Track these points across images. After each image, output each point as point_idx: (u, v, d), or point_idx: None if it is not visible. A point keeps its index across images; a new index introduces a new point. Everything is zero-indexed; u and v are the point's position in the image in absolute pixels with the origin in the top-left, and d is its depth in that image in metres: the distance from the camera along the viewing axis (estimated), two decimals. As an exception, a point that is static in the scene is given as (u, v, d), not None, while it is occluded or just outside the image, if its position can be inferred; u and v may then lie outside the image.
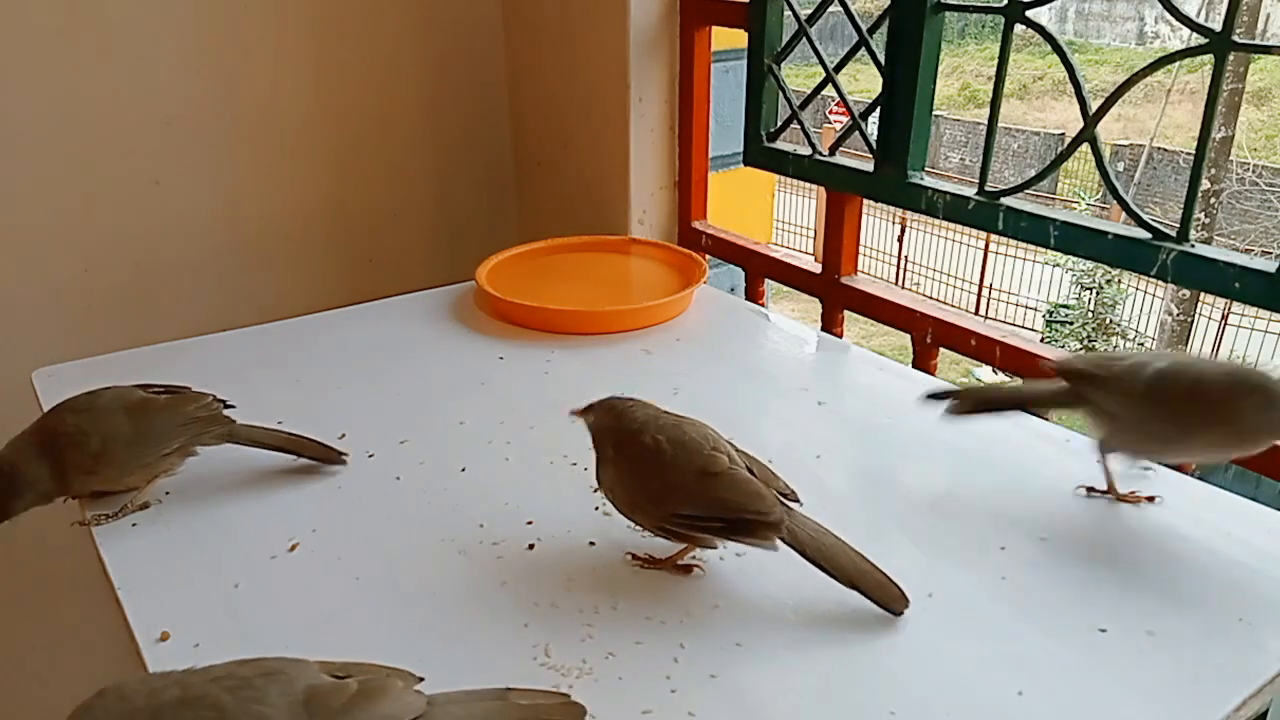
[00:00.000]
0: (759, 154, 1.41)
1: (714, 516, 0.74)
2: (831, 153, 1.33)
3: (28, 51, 1.35)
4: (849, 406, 1.07)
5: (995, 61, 1.10)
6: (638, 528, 0.82)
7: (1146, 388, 0.82)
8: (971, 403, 0.93)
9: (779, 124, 1.39)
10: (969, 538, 0.83)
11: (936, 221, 1.20)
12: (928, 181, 1.19)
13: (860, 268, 1.36)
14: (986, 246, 9.22)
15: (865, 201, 1.32)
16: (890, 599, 0.73)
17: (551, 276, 1.43)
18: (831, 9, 1.25)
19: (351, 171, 1.67)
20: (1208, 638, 0.72)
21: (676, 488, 0.74)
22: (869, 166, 1.25)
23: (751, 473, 0.75)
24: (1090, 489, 0.89)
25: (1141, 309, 8.46)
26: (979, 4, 1.11)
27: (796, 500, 0.77)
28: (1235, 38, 0.89)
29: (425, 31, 1.68)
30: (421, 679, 0.58)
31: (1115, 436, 0.86)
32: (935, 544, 0.83)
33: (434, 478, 0.92)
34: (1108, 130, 11.30)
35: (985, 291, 9.33)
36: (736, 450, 0.77)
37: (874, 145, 1.23)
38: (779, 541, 0.73)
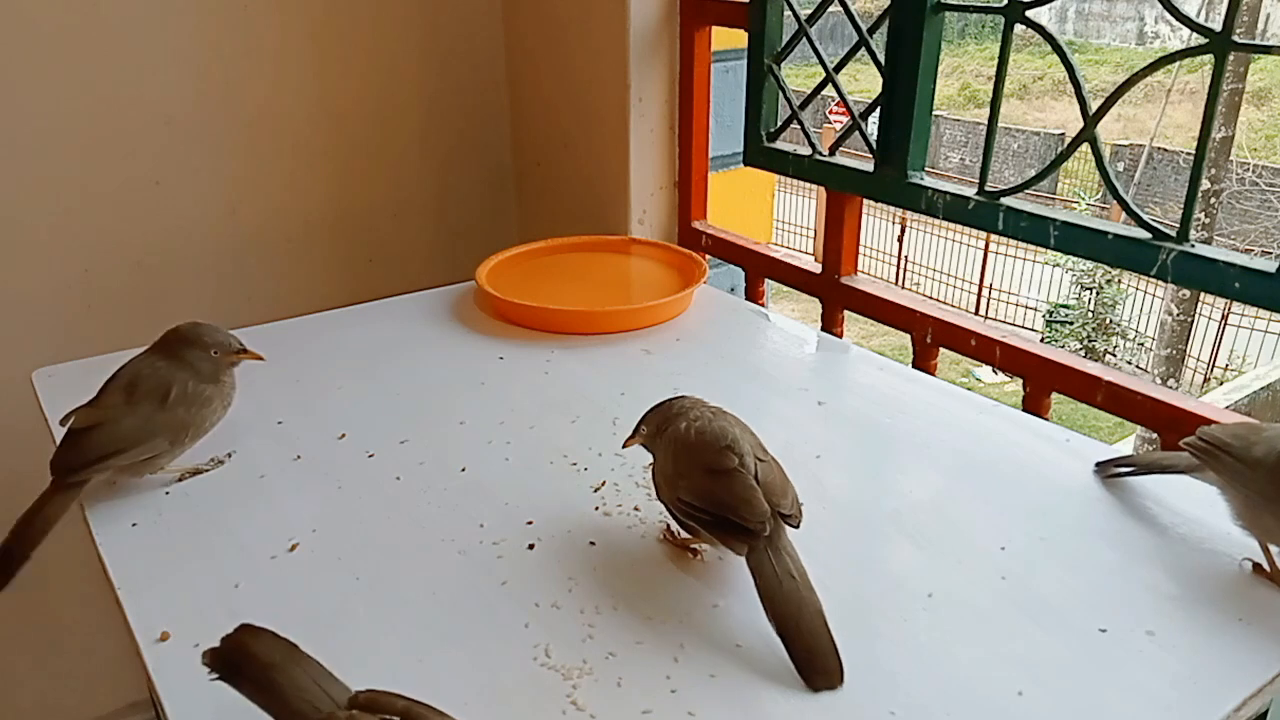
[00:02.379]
0: (759, 154, 1.41)
1: (705, 509, 0.75)
2: (831, 153, 1.33)
3: (28, 52, 1.35)
4: (849, 406, 1.07)
5: (995, 61, 1.10)
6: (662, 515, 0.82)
7: (1275, 463, 0.75)
8: (1128, 466, 0.91)
9: (779, 124, 1.39)
10: (969, 538, 0.83)
11: (936, 221, 1.20)
12: (928, 181, 1.19)
13: (860, 268, 1.36)
14: (986, 246, 9.22)
15: (865, 201, 1.32)
16: (815, 670, 0.66)
17: (551, 276, 1.42)
18: (831, 9, 1.25)
19: (352, 172, 1.67)
20: (1208, 638, 0.72)
21: (686, 475, 0.76)
22: (869, 166, 1.25)
23: (759, 481, 0.75)
24: (1256, 565, 0.78)
25: (1141, 309, 8.46)
26: (979, 4, 1.11)
27: (795, 522, 0.75)
28: (1235, 38, 0.89)
29: (426, 32, 1.68)
30: None
31: (1247, 515, 0.78)
32: (935, 544, 0.83)
33: (434, 478, 0.92)
34: (1108, 130, 11.30)
35: (985, 291, 9.33)
36: (762, 456, 0.77)
37: (874, 145, 1.23)
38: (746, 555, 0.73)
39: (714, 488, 0.74)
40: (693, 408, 0.81)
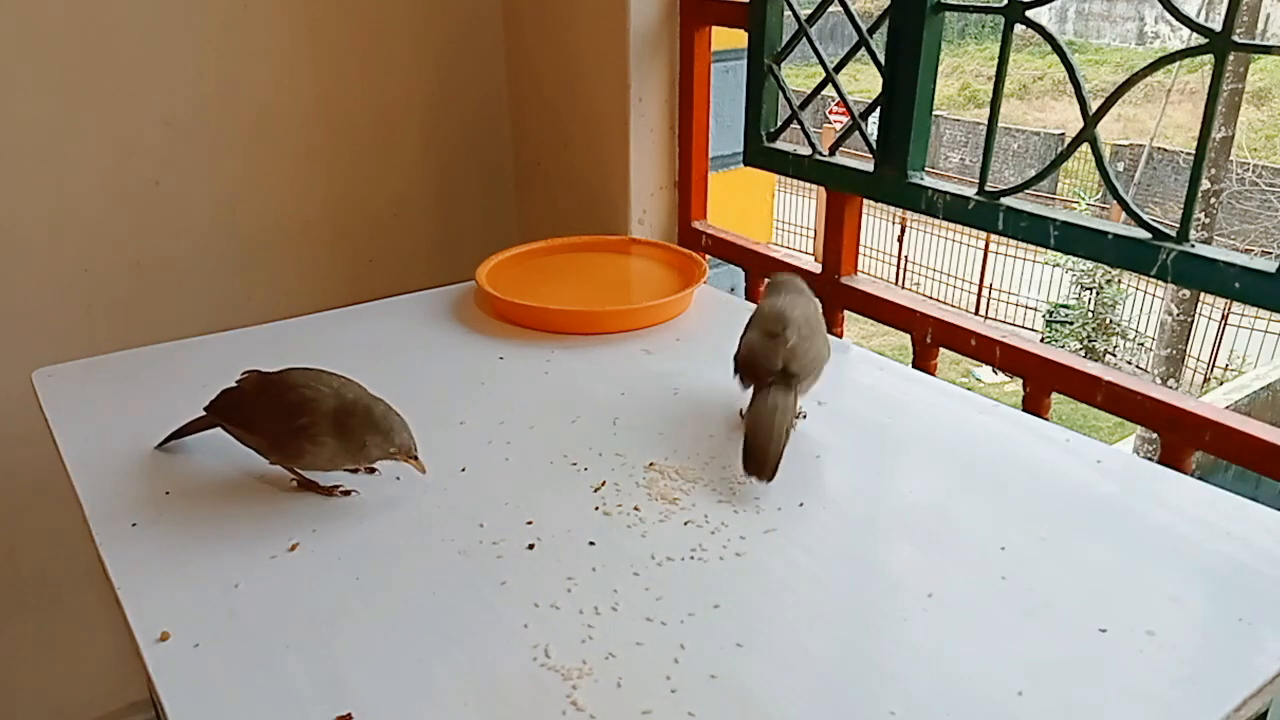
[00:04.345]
0: (759, 154, 1.41)
1: (742, 353, 1.01)
2: (831, 153, 1.33)
3: (28, 52, 1.35)
4: (849, 406, 1.07)
5: (995, 61, 1.10)
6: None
7: None
8: None
9: (779, 124, 1.39)
10: (969, 538, 0.83)
11: (936, 221, 1.20)
12: (928, 181, 1.19)
13: (860, 268, 1.36)
14: (986, 246, 9.22)
15: (865, 201, 1.32)
16: (754, 464, 0.89)
17: (551, 276, 1.42)
18: (831, 9, 1.25)
19: (352, 172, 1.67)
20: (1208, 638, 0.72)
21: (745, 333, 1.03)
22: (869, 166, 1.25)
23: (789, 349, 0.97)
24: None
25: (1141, 309, 8.46)
26: (979, 4, 1.11)
27: (799, 378, 0.96)
28: (1235, 38, 0.89)
29: (426, 31, 1.68)
30: None
31: None
32: (935, 544, 0.83)
33: (434, 477, 0.92)
34: (1108, 130, 11.29)
35: (985, 291, 9.33)
36: (807, 333, 0.99)
37: (874, 145, 1.23)
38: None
39: (754, 342, 0.99)
40: (784, 290, 1.07)
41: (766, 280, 1.14)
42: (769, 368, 0.95)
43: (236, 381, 0.93)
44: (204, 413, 0.94)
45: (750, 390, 0.98)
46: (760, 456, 0.89)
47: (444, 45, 1.70)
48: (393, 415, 0.88)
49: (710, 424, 1.02)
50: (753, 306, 1.38)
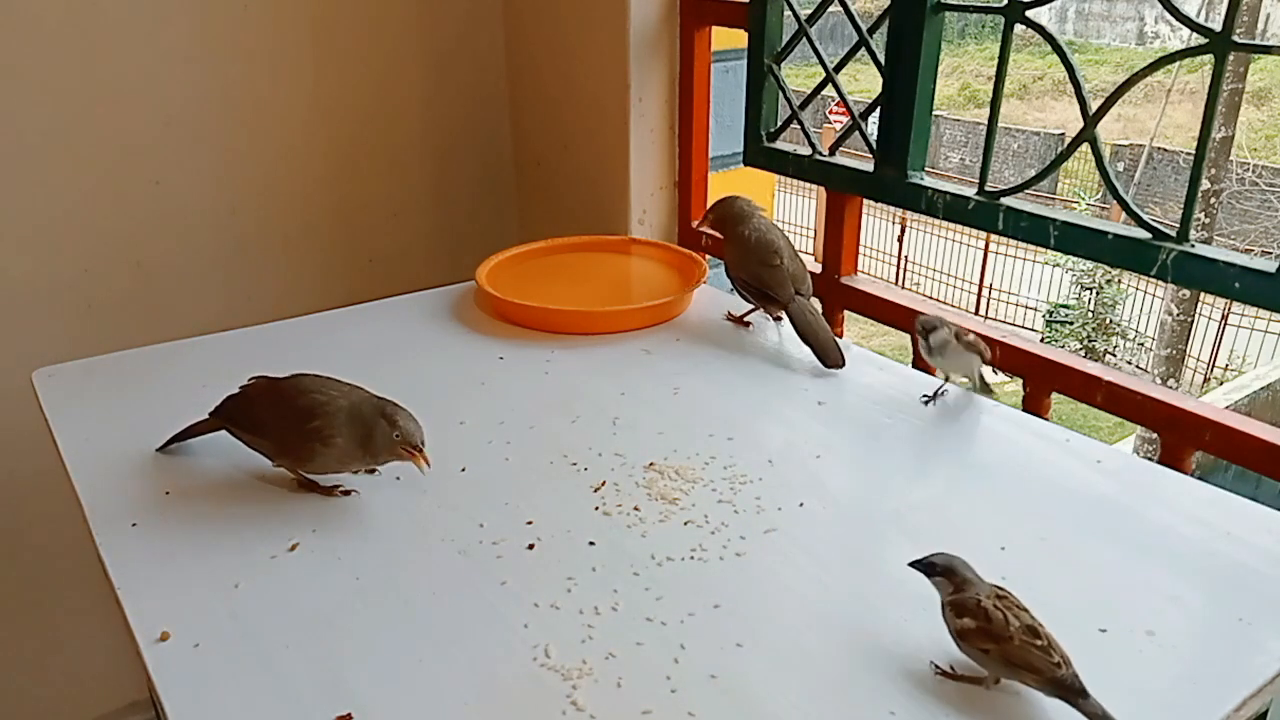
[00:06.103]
0: (759, 154, 1.41)
1: (756, 287, 1.20)
2: (831, 153, 1.33)
3: (28, 51, 1.35)
4: (849, 406, 1.07)
5: (995, 61, 1.10)
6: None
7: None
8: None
9: (779, 124, 1.39)
10: (969, 538, 0.83)
11: (936, 221, 1.21)
12: (928, 181, 1.19)
13: (860, 268, 1.36)
14: (986, 246, 9.21)
15: (865, 201, 1.32)
16: (828, 360, 1.13)
17: (551, 276, 1.42)
18: (831, 9, 1.25)
19: (352, 172, 1.67)
20: (1208, 638, 0.72)
21: (746, 265, 1.21)
22: (869, 166, 1.25)
23: (790, 273, 1.18)
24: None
25: (1141, 309, 8.46)
26: (979, 4, 1.11)
27: (807, 295, 1.19)
28: (1235, 38, 0.89)
29: (425, 31, 1.68)
30: None
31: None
32: (935, 544, 0.83)
33: (434, 478, 0.92)
34: (1108, 130, 11.29)
35: (985, 291, 9.32)
36: (795, 256, 1.20)
37: (874, 145, 1.23)
38: (783, 314, 1.19)
39: (763, 275, 1.19)
40: (751, 215, 1.23)
41: (715, 204, 1.28)
42: (786, 296, 1.17)
43: (241, 387, 0.93)
44: (208, 416, 0.94)
45: (749, 305, 1.24)
46: (831, 349, 1.13)
47: (444, 45, 1.70)
48: (400, 408, 0.87)
49: (710, 424, 1.02)
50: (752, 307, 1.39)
